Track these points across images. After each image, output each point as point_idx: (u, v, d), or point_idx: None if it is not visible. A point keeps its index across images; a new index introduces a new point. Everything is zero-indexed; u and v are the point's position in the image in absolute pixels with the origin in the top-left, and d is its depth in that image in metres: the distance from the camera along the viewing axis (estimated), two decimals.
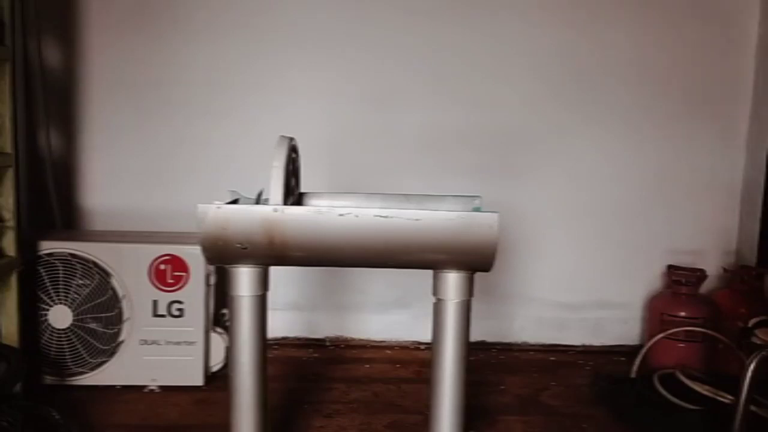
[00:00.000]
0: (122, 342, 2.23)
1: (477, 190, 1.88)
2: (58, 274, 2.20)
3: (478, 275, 1.57)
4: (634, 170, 2.79)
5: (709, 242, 2.83)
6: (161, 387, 2.26)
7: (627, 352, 2.70)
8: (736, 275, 2.61)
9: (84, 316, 2.21)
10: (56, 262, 2.19)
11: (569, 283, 2.84)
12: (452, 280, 1.55)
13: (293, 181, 1.70)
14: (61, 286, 2.20)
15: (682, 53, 2.74)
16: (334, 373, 2.51)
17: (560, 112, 2.76)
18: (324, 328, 2.81)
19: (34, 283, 2.19)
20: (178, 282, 2.24)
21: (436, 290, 1.58)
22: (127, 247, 2.23)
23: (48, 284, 2.20)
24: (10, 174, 1.99)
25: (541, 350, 2.83)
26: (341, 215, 1.48)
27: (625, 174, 2.79)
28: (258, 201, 1.65)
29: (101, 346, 2.23)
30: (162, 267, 2.23)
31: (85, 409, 2.09)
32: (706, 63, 2.75)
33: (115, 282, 2.21)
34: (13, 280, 2.02)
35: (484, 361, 2.67)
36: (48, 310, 2.21)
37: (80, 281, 2.20)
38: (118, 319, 2.23)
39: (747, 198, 2.78)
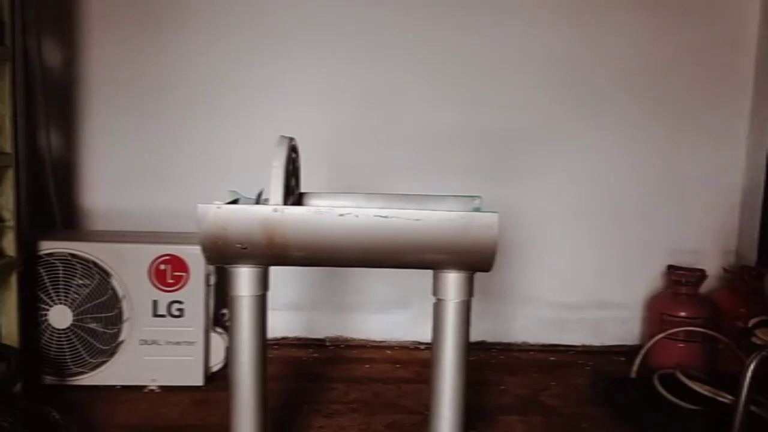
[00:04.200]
0: (122, 342, 2.23)
1: (477, 190, 1.88)
2: (58, 274, 2.20)
3: (478, 275, 1.57)
4: (634, 170, 2.79)
5: (709, 242, 2.83)
6: (161, 387, 2.26)
7: (627, 352, 2.70)
8: (736, 275, 2.61)
9: (84, 316, 2.21)
10: (56, 262, 2.20)
11: (569, 283, 2.84)
12: (452, 280, 1.55)
13: (293, 181, 1.70)
14: (61, 286, 2.20)
15: (682, 53, 2.74)
16: (333, 373, 2.51)
17: (560, 112, 2.76)
18: (324, 328, 2.81)
19: (34, 283, 2.19)
20: (178, 282, 2.24)
21: (436, 290, 1.58)
22: (127, 247, 2.23)
23: (48, 284, 2.20)
24: (10, 174, 1.99)
25: (541, 350, 2.83)
26: (341, 215, 1.47)
27: (625, 174, 2.79)
28: (258, 201, 1.65)
29: (101, 346, 2.23)
30: (162, 267, 2.23)
31: (85, 409, 2.09)
32: (706, 63, 2.75)
33: (115, 282, 2.21)
34: (13, 280, 2.02)
35: (484, 361, 2.67)
36: (48, 310, 2.21)
37: (80, 281, 2.20)
38: (118, 319, 2.23)
39: (747, 198, 2.79)
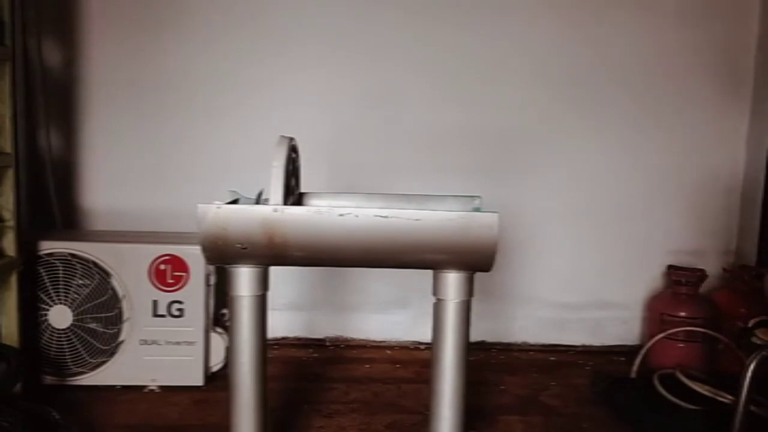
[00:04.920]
0: (122, 342, 2.23)
1: (477, 190, 1.88)
2: (58, 274, 2.20)
3: (478, 275, 1.57)
4: (634, 170, 2.79)
5: (709, 242, 2.83)
6: (161, 387, 2.26)
7: (627, 352, 2.70)
8: (736, 275, 2.61)
9: (84, 316, 2.21)
10: (56, 262, 2.20)
11: (569, 283, 2.84)
12: (452, 280, 1.55)
13: (293, 181, 1.70)
14: (61, 286, 2.20)
15: (682, 53, 2.74)
16: (333, 373, 2.51)
17: (560, 112, 2.76)
18: (324, 328, 2.81)
19: (34, 283, 2.18)
20: (178, 282, 2.24)
21: (436, 290, 1.58)
22: (127, 247, 2.23)
23: (48, 284, 2.20)
24: (10, 174, 1.99)
25: (541, 350, 2.83)
26: (341, 215, 1.47)
27: (625, 174, 2.79)
28: (258, 201, 1.65)
29: (101, 346, 2.23)
30: (162, 267, 2.23)
31: (85, 409, 2.09)
32: (706, 63, 2.74)
33: (115, 282, 2.21)
34: (13, 280, 2.02)
35: (484, 361, 2.67)
36: (48, 310, 2.21)
37: (80, 281, 2.20)
38: (118, 319, 2.23)
39: (747, 198, 2.78)
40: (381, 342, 2.82)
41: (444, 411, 1.60)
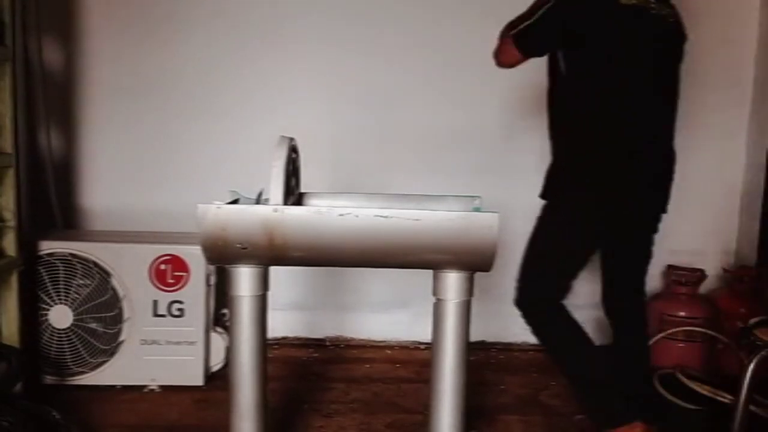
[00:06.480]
0: (122, 342, 2.24)
1: (476, 190, 1.88)
2: (59, 274, 2.20)
3: (478, 275, 1.57)
4: None
5: (709, 242, 2.82)
6: (161, 387, 2.26)
7: None
8: (736, 275, 2.62)
9: (84, 316, 2.22)
10: (57, 262, 2.20)
11: None
12: (452, 280, 1.55)
13: (293, 181, 1.71)
14: (61, 286, 2.20)
15: None
16: (334, 372, 2.51)
17: None
18: (324, 328, 2.81)
19: (34, 283, 2.19)
20: (179, 282, 2.24)
21: (436, 290, 1.58)
22: (127, 247, 2.23)
23: (48, 284, 2.20)
24: (10, 174, 1.99)
25: (540, 350, 2.79)
26: (341, 215, 1.47)
27: None
28: (258, 201, 1.65)
29: (101, 346, 2.23)
30: (162, 267, 2.23)
31: (86, 409, 2.09)
32: (706, 62, 2.74)
33: (115, 282, 2.21)
34: (14, 280, 2.02)
35: (484, 361, 2.68)
36: (48, 309, 2.21)
37: (81, 281, 2.20)
38: (118, 319, 2.23)
39: (747, 198, 2.79)
40: (381, 342, 2.82)
41: (444, 410, 1.60)
